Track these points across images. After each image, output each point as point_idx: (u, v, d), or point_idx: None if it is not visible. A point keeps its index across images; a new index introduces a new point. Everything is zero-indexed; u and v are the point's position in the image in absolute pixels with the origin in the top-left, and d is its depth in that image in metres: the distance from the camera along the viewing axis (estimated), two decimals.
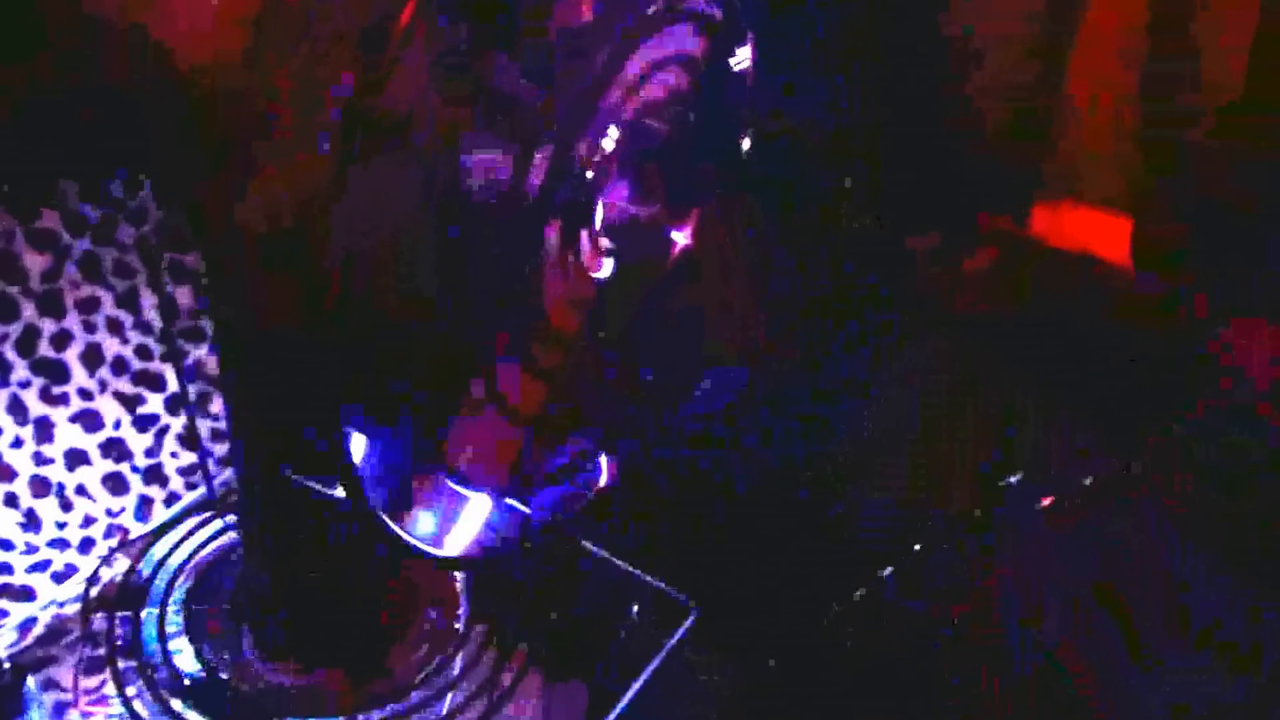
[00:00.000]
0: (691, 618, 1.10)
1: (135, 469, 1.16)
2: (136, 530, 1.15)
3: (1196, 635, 1.11)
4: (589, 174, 0.77)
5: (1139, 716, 1.10)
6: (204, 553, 1.10)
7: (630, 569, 1.14)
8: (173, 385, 1.16)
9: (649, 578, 1.14)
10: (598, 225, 0.83)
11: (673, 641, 1.08)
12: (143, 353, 1.14)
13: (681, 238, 0.90)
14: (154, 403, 1.16)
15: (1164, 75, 1.21)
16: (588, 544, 1.15)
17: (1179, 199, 1.24)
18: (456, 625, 1.07)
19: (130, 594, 1.05)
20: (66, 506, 1.13)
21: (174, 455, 1.18)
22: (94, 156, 1.01)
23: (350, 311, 0.72)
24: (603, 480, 0.96)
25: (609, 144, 0.78)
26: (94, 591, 1.05)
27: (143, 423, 1.16)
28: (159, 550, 1.10)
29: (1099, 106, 1.24)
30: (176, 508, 1.17)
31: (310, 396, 0.76)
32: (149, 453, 1.17)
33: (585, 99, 0.72)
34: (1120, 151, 1.24)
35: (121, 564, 1.09)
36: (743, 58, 0.88)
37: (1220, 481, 1.17)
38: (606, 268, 0.86)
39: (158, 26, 0.67)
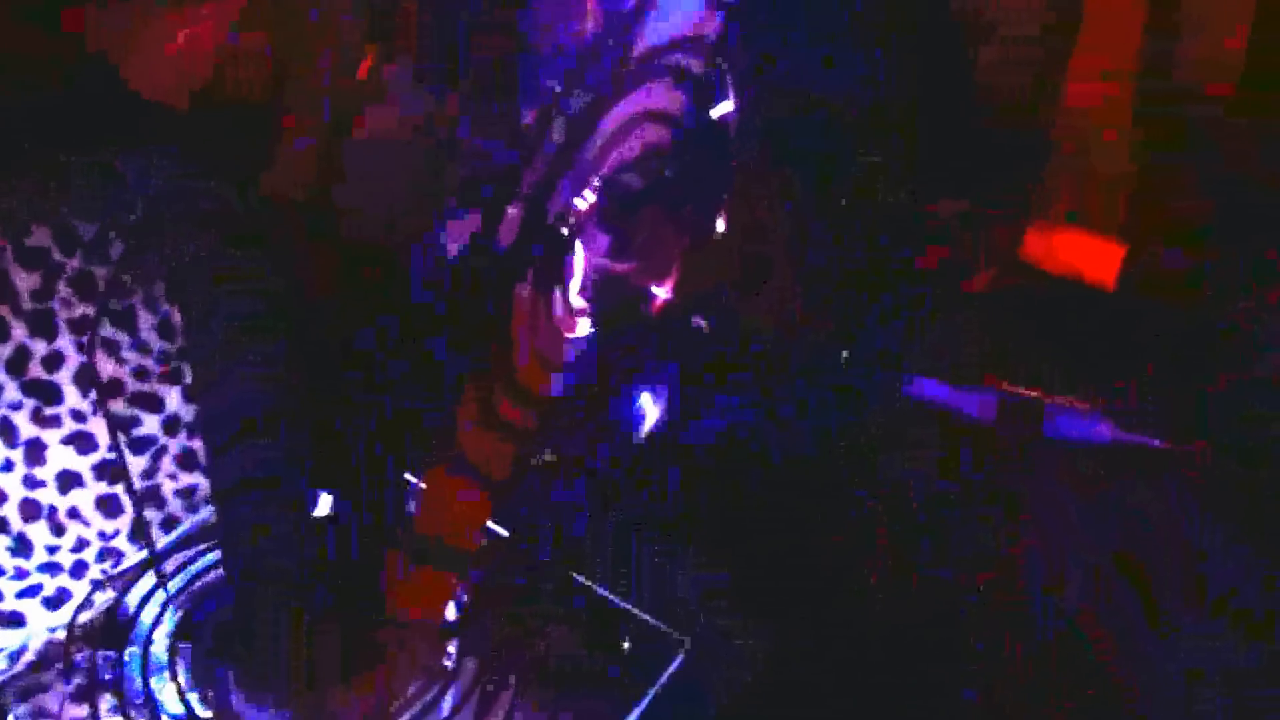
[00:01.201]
0: (682, 654, 1.10)
1: (131, 491, 1.13)
2: (130, 554, 1.13)
3: (1213, 603, 1.14)
4: (564, 230, 0.77)
5: (1156, 681, 1.14)
6: (191, 588, 1.10)
7: (623, 604, 1.14)
8: (171, 406, 1.14)
9: (641, 613, 1.14)
10: (572, 284, 0.83)
11: (665, 677, 1.09)
12: (139, 374, 1.11)
13: (662, 292, 0.90)
14: (150, 424, 1.13)
15: (1164, 51, 1.21)
16: (580, 578, 1.16)
17: (1205, 174, 1.25)
18: (447, 661, 1.06)
19: (115, 631, 1.05)
20: (59, 530, 1.10)
21: (172, 477, 1.16)
22: (145, 131, 0.97)
23: (391, 281, 0.76)
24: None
25: (585, 201, 0.77)
26: (82, 623, 1.05)
27: (139, 445, 1.14)
28: (144, 585, 1.08)
29: (1112, 80, 1.25)
30: (164, 541, 1.15)
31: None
32: (145, 474, 1.14)
33: (561, 155, 0.72)
34: (1130, 126, 1.25)
35: (109, 597, 1.08)
36: (722, 109, 0.88)
37: (1240, 454, 1.20)
38: (582, 327, 0.87)
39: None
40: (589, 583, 1.16)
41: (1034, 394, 1.26)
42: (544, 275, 0.80)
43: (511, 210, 0.69)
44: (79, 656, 1.03)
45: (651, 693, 1.07)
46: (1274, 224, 1.22)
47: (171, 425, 1.15)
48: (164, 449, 1.15)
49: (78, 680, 1.02)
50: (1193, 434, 1.21)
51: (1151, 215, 1.26)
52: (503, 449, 0.86)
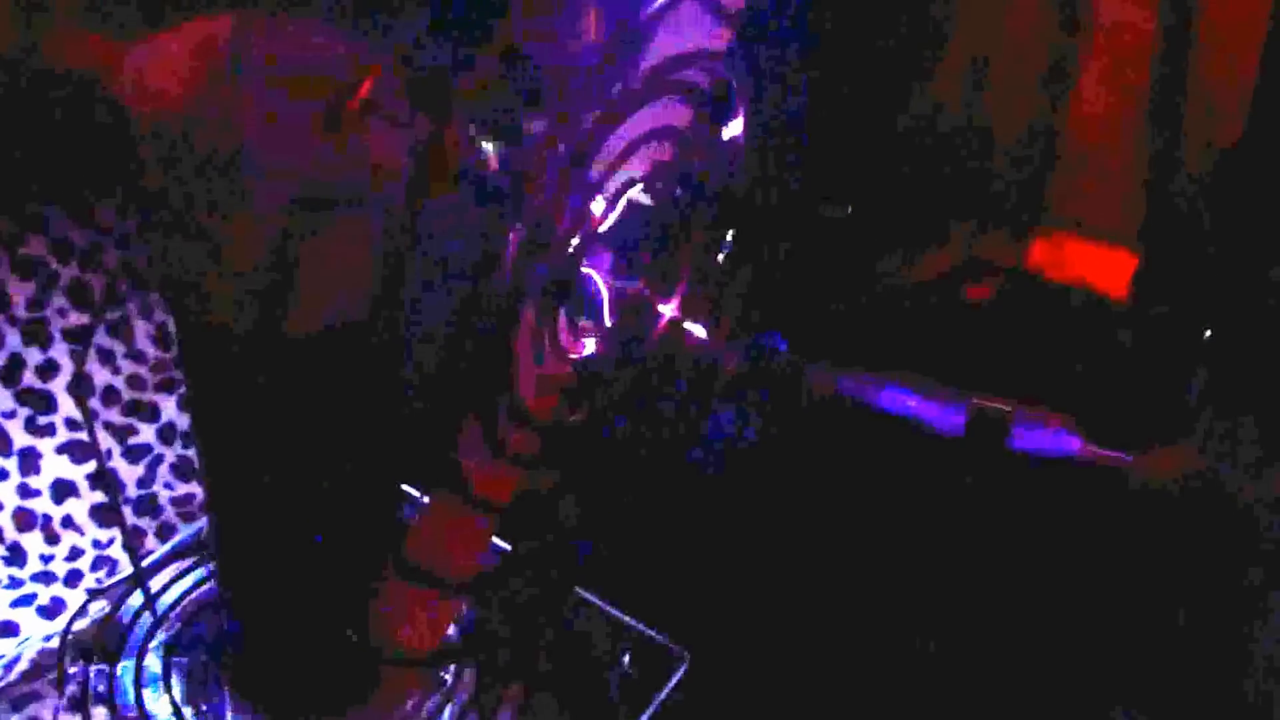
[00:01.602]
0: (683, 668, 1.10)
1: (127, 500, 1.13)
2: (126, 563, 1.12)
3: None
4: (569, 251, 0.75)
5: None
6: (185, 601, 1.08)
7: (623, 617, 1.14)
8: (167, 415, 1.14)
9: (642, 626, 1.13)
10: (578, 304, 0.82)
11: (664, 692, 1.08)
12: (134, 382, 1.11)
13: (668, 310, 0.89)
14: (146, 433, 1.13)
15: (1177, 59, 1.20)
16: (581, 591, 1.15)
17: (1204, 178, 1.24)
18: (445, 675, 1.05)
19: (107, 645, 1.03)
20: (53, 539, 1.10)
21: (168, 486, 1.16)
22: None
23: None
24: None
25: (591, 220, 0.76)
26: (76, 633, 1.04)
27: (134, 454, 1.14)
28: (138, 597, 1.07)
29: (1108, 130, 1.24)
30: (158, 553, 1.14)
31: None
32: (140, 483, 1.14)
33: (566, 174, 0.69)
34: (1140, 134, 1.25)
35: (102, 607, 1.07)
36: (733, 128, 0.86)
37: None
38: (588, 347, 0.85)
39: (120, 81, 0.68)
40: (587, 594, 1.16)
41: (1004, 405, 1.24)
42: (548, 296, 0.78)
43: (514, 230, 0.67)
44: (72, 669, 1.02)
45: (653, 707, 1.07)
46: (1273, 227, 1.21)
47: (167, 434, 1.15)
48: (160, 458, 1.15)
49: (71, 691, 1.01)
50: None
51: (1153, 220, 1.26)
52: (503, 472, 0.84)
